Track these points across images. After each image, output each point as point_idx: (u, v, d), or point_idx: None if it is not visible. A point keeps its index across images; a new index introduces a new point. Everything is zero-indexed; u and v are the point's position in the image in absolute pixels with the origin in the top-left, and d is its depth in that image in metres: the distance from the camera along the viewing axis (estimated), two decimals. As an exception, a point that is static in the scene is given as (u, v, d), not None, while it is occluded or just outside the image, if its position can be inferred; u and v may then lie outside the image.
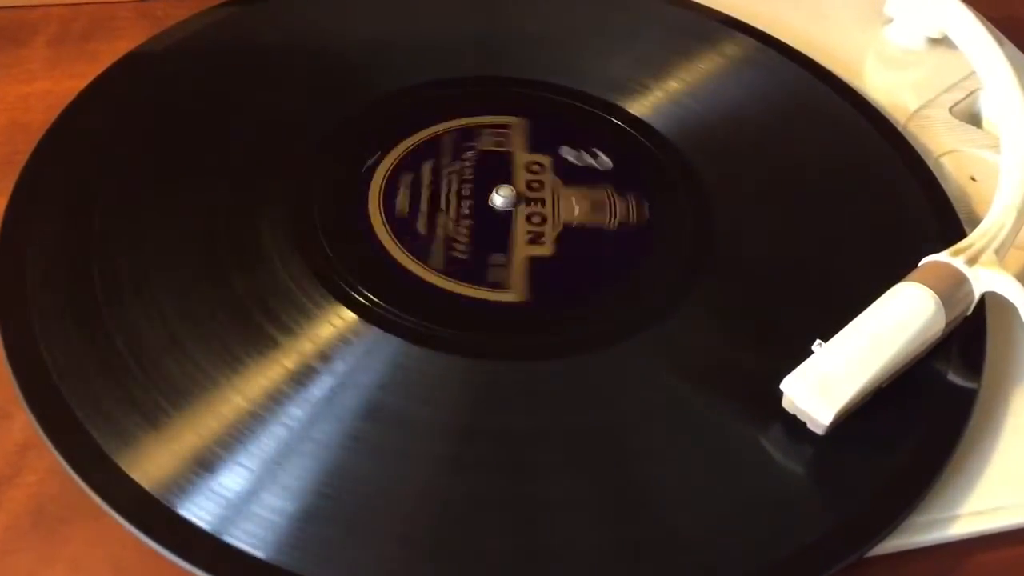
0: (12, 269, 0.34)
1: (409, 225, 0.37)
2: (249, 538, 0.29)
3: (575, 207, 0.39)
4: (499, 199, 0.39)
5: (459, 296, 0.35)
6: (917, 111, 0.46)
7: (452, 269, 0.36)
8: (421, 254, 0.37)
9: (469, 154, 0.41)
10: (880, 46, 0.51)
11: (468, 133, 0.41)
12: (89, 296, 0.34)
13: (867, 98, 0.45)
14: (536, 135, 0.42)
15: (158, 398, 0.31)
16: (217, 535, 0.29)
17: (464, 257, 0.37)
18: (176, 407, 0.31)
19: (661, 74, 0.45)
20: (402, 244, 0.37)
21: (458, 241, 0.37)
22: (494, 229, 0.38)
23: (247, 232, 0.36)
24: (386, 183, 0.39)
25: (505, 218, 0.38)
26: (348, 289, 0.35)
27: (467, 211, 0.38)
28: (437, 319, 0.34)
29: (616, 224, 0.39)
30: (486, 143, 0.41)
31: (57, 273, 0.34)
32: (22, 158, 0.37)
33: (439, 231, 0.37)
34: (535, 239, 0.38)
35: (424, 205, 0.38)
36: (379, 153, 0.40)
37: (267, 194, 0.38)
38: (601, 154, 0.40)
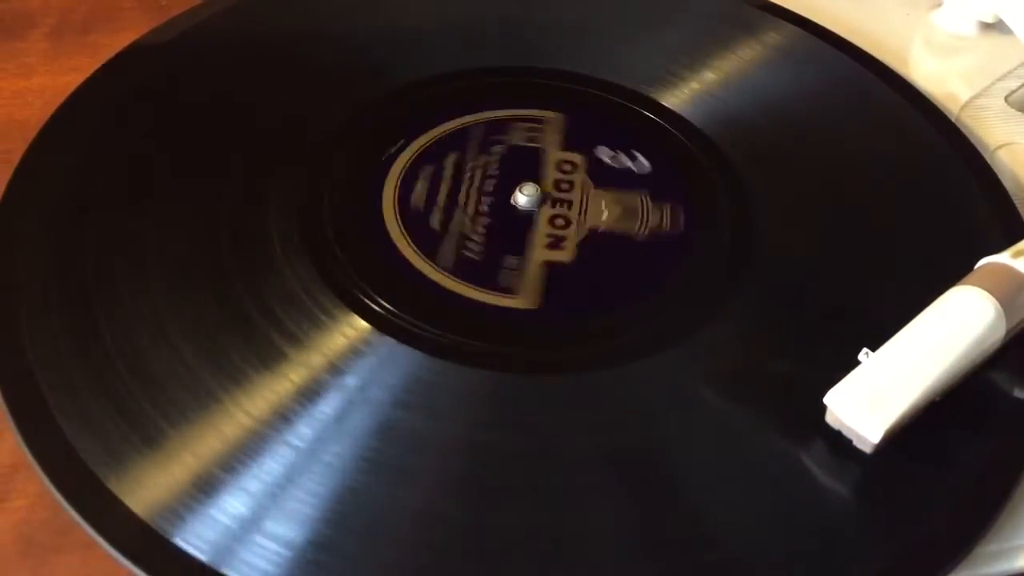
0: (1, 276, 0.33)
1: (422, 219, 0.36)
2: (251, 571, 0.27)
3: (604, 211, 0.37)
4: (523, 198, 0.37)
5: (462, 298, 0.34)
6: (970, 101, 0.45)
7: (460, 269, 0.35)
8: (430, 251, 0.35)
9: (498, 148, 0.39)
10: (928, 32, 0.49)
11: (499, 126, 0.40)
12: (83, 305, 0.32)
13: (917, 87, 0.44)
14: (572, 132, 0.40)
15: (154, 416, 0.30)
16: (215, 568, 0.27)
17: (476, 257, 0.35)
18: (173, 426, 0.30)
19: (699, 65, 0.43)
20: (412, 239, 0.36)
21: (471, 239, 0.36)
22: (512, 229, 0.37)
23: (253, 235, 0.35)
24: (404, 175, 0.38)
25: (526, 218, 0.37)
26: (360, 296, 0.33)
27: (486, 208, 0.37)
28: (458, 329, 0.33)
29: (647, 232, 0.37)
30: (517, 137, 0.40)
31: (49, 281, 0.33)
32: (17, 157, 0.36)
33: (453, 227, 0.36)
34: (555, 243, 0.36)
35: (442, 199, 0.37)
36: (402, 141, 0.39)
37: (276, 193, 0.36)
38: (640, 156, 0.39)
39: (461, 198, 0.37)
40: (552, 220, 0.37)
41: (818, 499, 0.30)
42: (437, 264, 0.35)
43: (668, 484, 0.30)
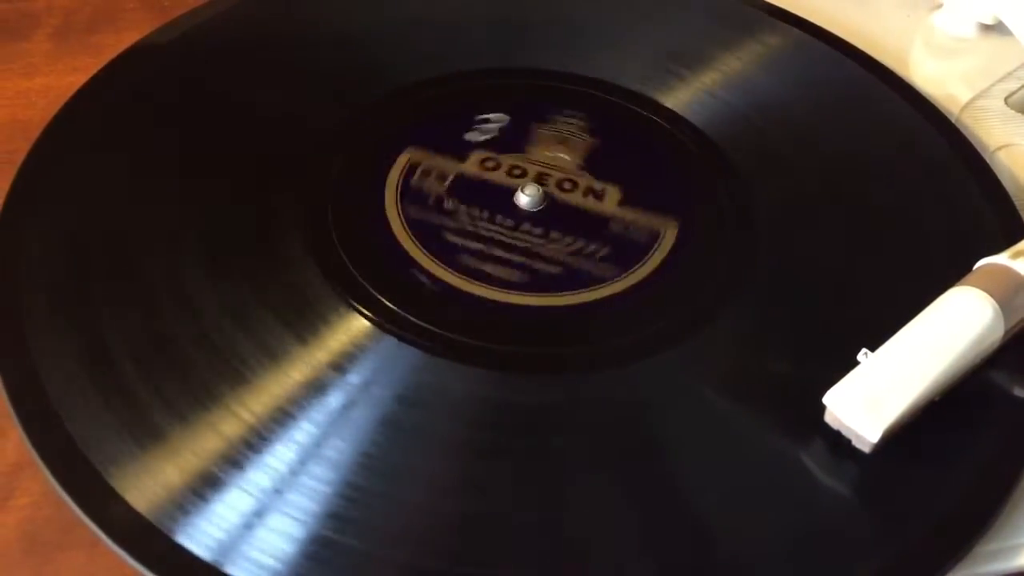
0: (6, 276, 0.33)
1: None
2: (254, 568, 0.27)
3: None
4: (524, 198, 0.37)
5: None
6: (970, 102, 0.45)
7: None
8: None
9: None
10: (928, 34, 0.49)
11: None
12: (86, 304, 0.32)
13: (917, 89, 0.43)
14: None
15: (158, 414, 0.30)
16: (218, 566, 0.27)
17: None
18: (176, 424, 0.30)
19: (699, 65, 0.43)
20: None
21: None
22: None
23: (255, 234, 0.35)
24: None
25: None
26: (362, 295, 0.33)
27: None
28: (457, 328, 0.33)
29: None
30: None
31: (53, 281, 0.33)
32: (21, 157, 0.36)
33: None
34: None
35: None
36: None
37: (277, 193, 0.36)
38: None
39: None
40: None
41: (818, 499, 0.30)
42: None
43: (668, 484, 0.30)
